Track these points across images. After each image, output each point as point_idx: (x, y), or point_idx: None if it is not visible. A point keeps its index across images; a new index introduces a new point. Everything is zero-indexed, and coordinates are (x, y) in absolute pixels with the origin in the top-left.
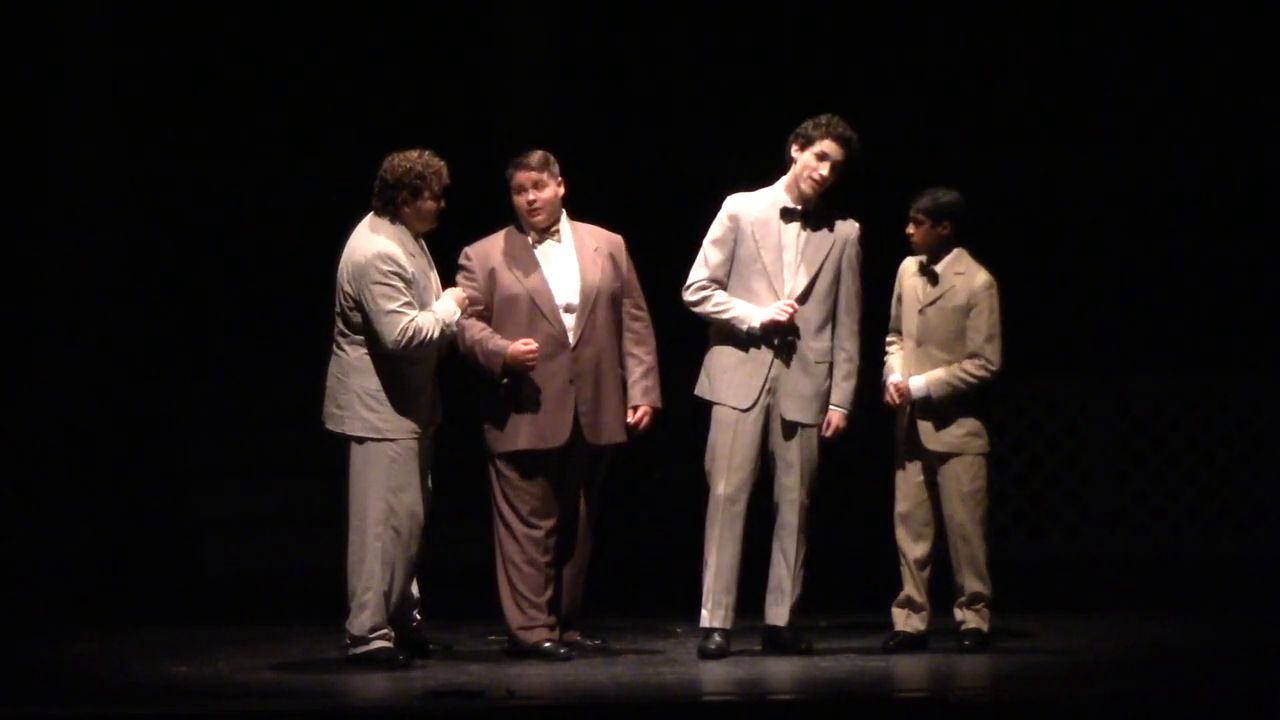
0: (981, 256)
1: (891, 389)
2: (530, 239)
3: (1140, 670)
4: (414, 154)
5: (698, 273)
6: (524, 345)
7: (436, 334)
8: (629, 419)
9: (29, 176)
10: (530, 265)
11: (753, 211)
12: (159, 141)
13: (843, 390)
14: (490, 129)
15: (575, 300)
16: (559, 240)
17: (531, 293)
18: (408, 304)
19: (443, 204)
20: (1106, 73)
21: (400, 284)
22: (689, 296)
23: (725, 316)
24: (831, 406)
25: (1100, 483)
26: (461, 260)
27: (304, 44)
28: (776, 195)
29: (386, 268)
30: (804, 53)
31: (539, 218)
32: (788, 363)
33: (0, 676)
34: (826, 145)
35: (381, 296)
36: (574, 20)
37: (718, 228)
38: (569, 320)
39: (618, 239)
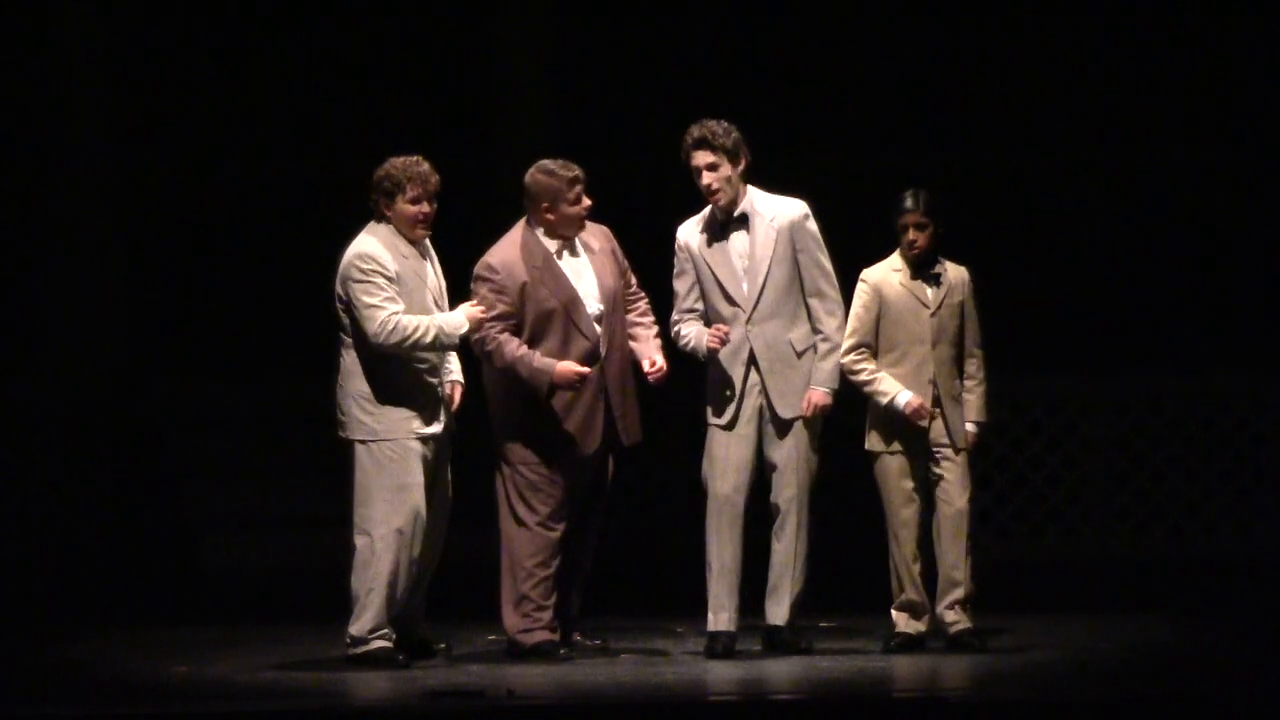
0: (983, 256)
1: (923, 410)
2: (552, 248)
3: (1140, 670)
4: (399, 159)
5: (675, 308)
6: (575, 369)
7: (430, 338)
8: (647, 369)
9: (29, 176)
10: (559, 278)
11: (697, 236)
12: (158, 141)
13: (822, 370)
14: (486, 129)
15: (599, 308)
16: (574, 247)
17: (567, 307)
18: (389, 299)
19: (426, 208)
20: (1107, 71)
21: (381, 280)
22: (672, 331)
23: (689, 349)
24: (811, 386)
25: (1100, 483)
26: (485, 274)
27: (306, 46)
28: (714, 212)
29: (366, 266)
30: (798, 51)
31: (582, 229)
32: (770, 363)
33: (0, 676)
34: (693, 160)
35: (362, 293)
36: (569, 21)
37: (676, 262)
38: (598, 330)
39: (606, 230)
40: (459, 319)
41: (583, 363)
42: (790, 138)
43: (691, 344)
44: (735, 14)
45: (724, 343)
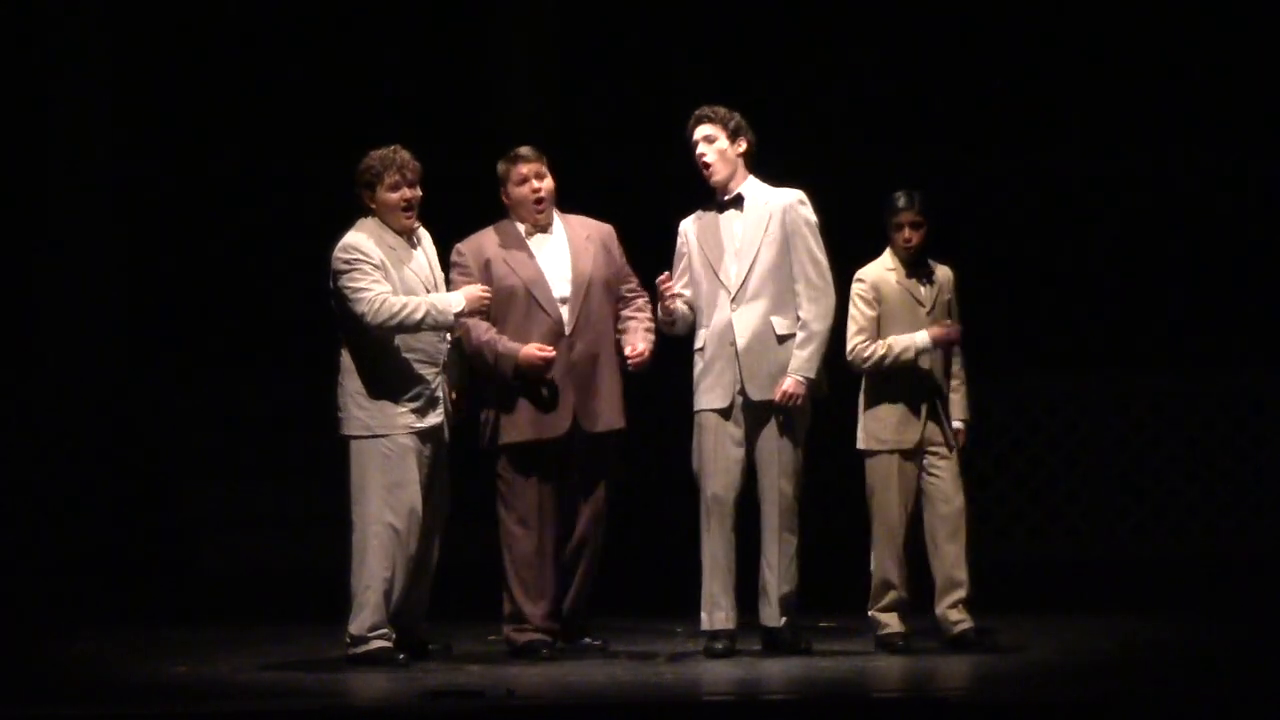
0: (984, 256)
1: (947, 334)
2: (523, 231)
3: (1140, 670)
4: (377, 151)
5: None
6: (539, 351)
7: (420, 314)
8: (628, 354)
9: (28, 175)
10: (525, 257)
11: (693, 220)
12: (157, 142)
13: (797, 358)
14: (485, 127)
15: (568, 290)
16: (551, 232)
17: (528, 284)
18: (375, 281)
19: (407, 193)
20: (1108, 72)
21: (366, 266)
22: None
23: (660, 319)
24: (788, 374)
25: (1100, 483)
26: (454, 257)
27: (307, 43)
28: (712, 197)
29: (348, 256)
30: (795, 51)
31: (543, 207)
32: (749, 342)
33: (0, 676)
34: (693, 135)
35: (348, 280)
36: (569, 18)
37: (676, 249)
38: (564, 311)
39: (608, 228)
40: (454, 297)
41: (544, 341)
42: (786, 137)
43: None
44: (735, 13)
45: (668, 283)
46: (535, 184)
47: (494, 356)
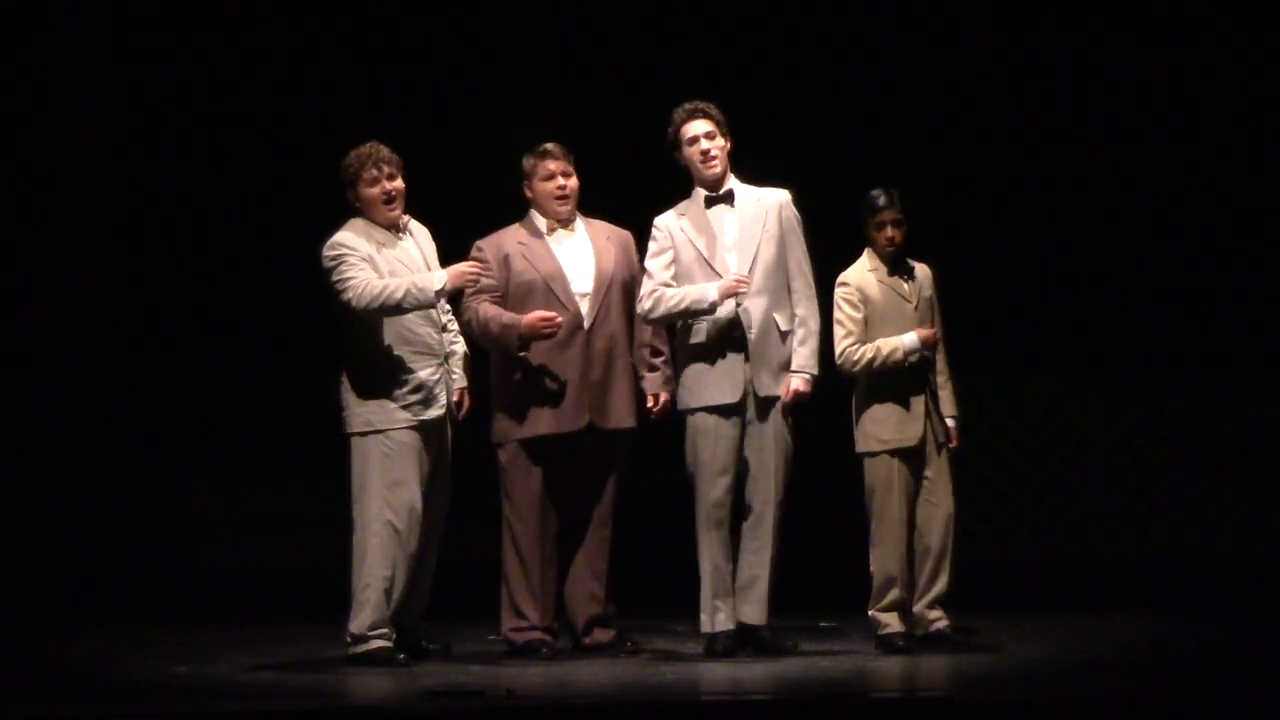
0: (984, 257)
1: (930, 337)
2: (544, 228)
3: (1140, 670)
4: (354, 151)
5: (645, 286)
6: (540, 313)
7: (401, 294)
8: (650, 405)
9: (29, 175)
10: (545, 252)
11: (678, 219)
12: (157, 142)
13: (800, 355)
14: (487, 127)
15: (590, 286)
16: (573, 230)
17: (547, 278)
18: (359, 270)
19: (387, 185)
20: (1106, 73)
21: (352, 259)
22: (644, 307)
23: (683, 306)
24: (790, 371)
25: (1100, 483)
26: (473, 253)
27: (307, 46)
28: (695, 195)
29: (333, 252)
30: (792, 45)
31: (568, 205)
32: (760, 340)
33: (0, 676)
34: (688, 129)
35: (335, 274)
36: (571, 17)
37: (653, 244)
38: (584, 306)
39: (627, 234)
40: (436, 274)
41: (562, 335)
42: (778, 139)
43: (690, 298)
44: (733, 14)
45: (743, 284)
46: (561, 180)
47: (500, 329)
